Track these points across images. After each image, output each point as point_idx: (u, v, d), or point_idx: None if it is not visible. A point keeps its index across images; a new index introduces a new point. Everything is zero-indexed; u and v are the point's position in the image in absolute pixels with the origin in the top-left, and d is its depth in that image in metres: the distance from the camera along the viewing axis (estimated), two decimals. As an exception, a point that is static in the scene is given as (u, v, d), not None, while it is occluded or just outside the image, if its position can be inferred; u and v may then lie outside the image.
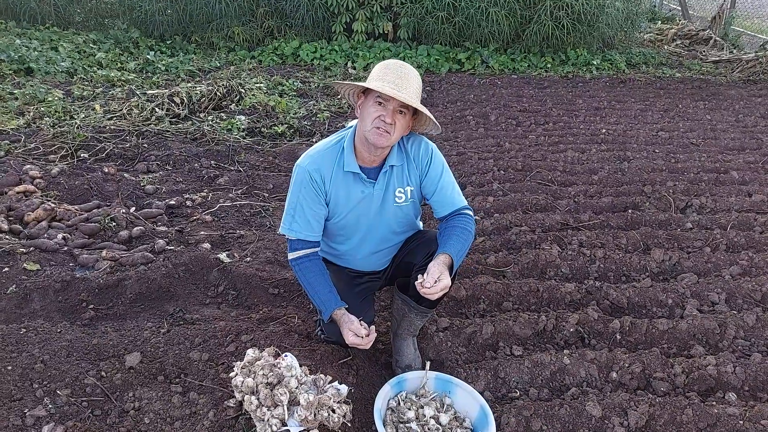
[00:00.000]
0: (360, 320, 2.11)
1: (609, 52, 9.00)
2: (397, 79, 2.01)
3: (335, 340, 2.29)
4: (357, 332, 2.06)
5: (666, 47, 10.12)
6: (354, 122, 2.25)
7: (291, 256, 2.22)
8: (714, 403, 2.19)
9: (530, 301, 2.93)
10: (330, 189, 2.18)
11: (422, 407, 2.13)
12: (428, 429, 2.05)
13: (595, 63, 8.53)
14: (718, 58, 9.25)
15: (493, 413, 2.09)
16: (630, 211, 3.86)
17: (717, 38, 10.18)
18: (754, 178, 4.49)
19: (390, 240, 2.37)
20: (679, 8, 12.23)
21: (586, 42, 8.62)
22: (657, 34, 10.83)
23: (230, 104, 5.98)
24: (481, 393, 2.25)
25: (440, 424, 2.08)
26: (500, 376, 2.39)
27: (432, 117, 2.08)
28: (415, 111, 2.10)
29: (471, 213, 2.27)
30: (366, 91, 2.08)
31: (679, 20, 11.90)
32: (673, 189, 4.24)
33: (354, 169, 2.15)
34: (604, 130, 5.70)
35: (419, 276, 2.01)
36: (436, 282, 1.97)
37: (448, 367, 2.47)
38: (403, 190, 2.24)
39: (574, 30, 8.17)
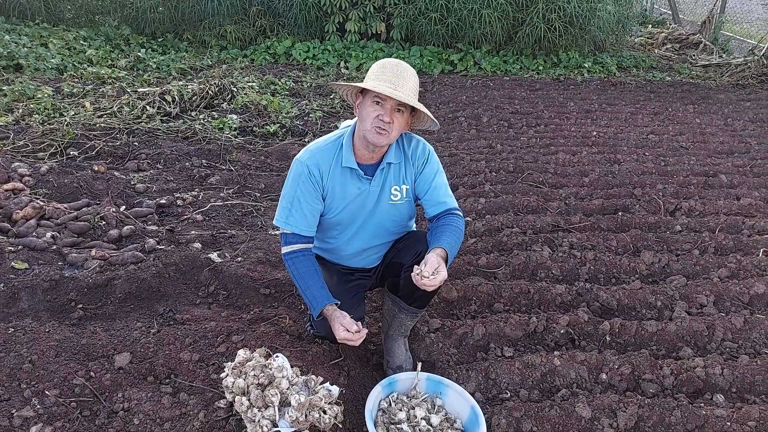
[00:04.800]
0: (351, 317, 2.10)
1: (600, 55, 9.06)
2: (393, 77, 2.02)
3: (324, 335, 2.30)
4: (348, 327, 2.05)
5: (656, 51, 10.21)
6: (347, 122, 2.26)
7: (285, 249, 2.22)
8: (702, 404, 2.21)
9: (521, 303, 2.94)
10: (327, 184, 2.19)
11: (413, 408, 2.14)
12: (419, 430, 2.06)
13: (586, 66, 8.59)
14: (707, 63, 9.34)
15: (484, 414, 2.09)
16: (620, 213, 3.89)
17: (707, 42, 10.28)
18: (743, 182, 4.54)
19: (382, 237, 2.38)
20: (670, 12, 12.34)
21: (578, 45, 8.68)
22: (648, 38, 10.91)
23: (222, 103, 5.95)
24: (472, 394, 2.26)
25: (431, 425, 2.09)
26: (491, 378, 2.40)
27: (429, 114, 2.10)
28: (413, 108, 2.11)
29: (461, 214, 2.29)
30: (364, 91, 2.10)
31: (670, 24, 12.01)
32: (662, 192, 4.27)
33: (351, 165, 2.17)
34: (594, 133, 5.74)
35: (416, 267, 1.99)
36: (433, 273, 1.96)
37: (440, 368, 2.47)
38: (398, 188, 2.25)
39: (565, 33, 8.21)
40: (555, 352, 2.50)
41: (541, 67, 8.48)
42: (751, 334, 2.68)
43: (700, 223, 3.80)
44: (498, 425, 2.12)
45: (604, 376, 2.41)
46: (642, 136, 5.72)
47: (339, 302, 2.17)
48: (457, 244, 2.18)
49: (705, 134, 5.86)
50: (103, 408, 2.03)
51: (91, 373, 2.16)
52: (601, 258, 3.29)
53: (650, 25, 12.12)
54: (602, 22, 8.34)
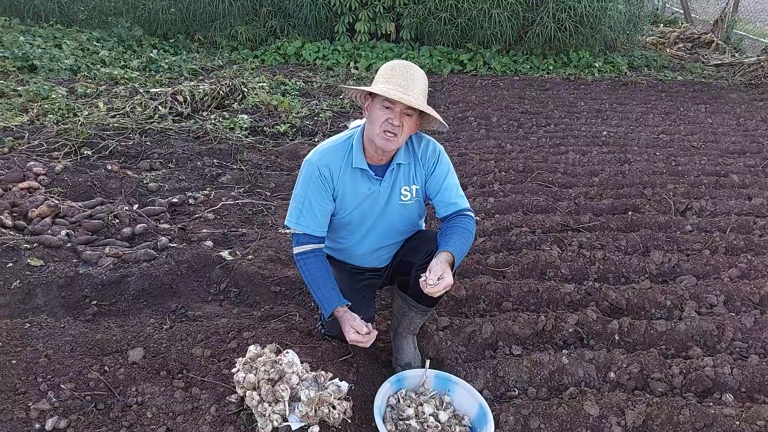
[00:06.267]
0: (360, 317, 2.13)
1: (611, 54, 9.02)
2: (403, 80, 2.03)
3: (335, 334, 2.32)
4: (358, 329, 2.09)
5: (668, 50, 10.14)
6: (357, 122, 2.28)
7: (296, 250, 2.24)
8: (711, 403, 2.21)
9: (530, 302, 2.95)
10: (338, 184, 2.21)
11: (421, 405, 2.15)
12: (427, 426, 2.07)
13: (597, 65, 8.55)
14: (720, 62, 9.27)
15: (492, 412, 2.10)
16: (630, 213, 3.88)
17: (719, 42, 10.20)
18: (754, 182, 4.51)
19: (392, 237, 2.40)
20: (682, 11, 12.25)
21: (589, 44, 8.64)
22: (659, 37, 10.84)
23: (233, 103, 6.00)
24: (480, 391, 2.27)
25: (439, 421, 2.10)
26: (499, 375, 2.41)
27: (439, 117, 2.11)
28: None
29: (472, 215, 2.29)
30: (373, 94, 2.10)
31: (682, 23, 11.92)
32: (673, 192, 4.26)
33: (362, 166, 2.18)
34: (605, 133, 5.72)
35: (422, 274, 2.03)
36: (438, 279, 1.99)
37: (448, 365, 2.49)
38: (408, 189, 2.27)
39: (576, 32, 8.18)
40: (563, 351, 2.50)
41: (551, 67, 8.46)
42: (762, 334, 2.67)
43: (710, 223, 3.78)
44: (506, 422, 2.14)
45: (612, 374, 2.41)
46: (653, 135, 5.70)
47: (350, 303, 2.19)
48: (466, 247, 2.19)
49: (717, 134, 5.83)
50: (117, 401, 2.07)
51: (106, 368, 2.20)
52: (611, 257, 3.29)
53: (662, 24, 12.04)
54: (613, 22, 8.30)
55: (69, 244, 3.20)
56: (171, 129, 5.16)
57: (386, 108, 2.04)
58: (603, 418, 2.14)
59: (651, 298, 2.94)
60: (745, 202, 4.10)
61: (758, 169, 4.81)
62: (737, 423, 2.08)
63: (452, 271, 2.10)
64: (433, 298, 2.36)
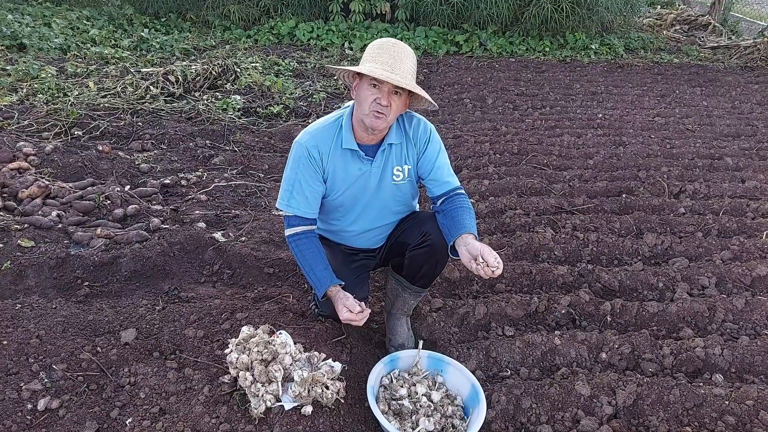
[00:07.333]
0: (354, 297, 2.13)
1: (608, 36, 8.96)
2: (390, 59, 1.99)
3: (329, 314, 2.32)
4: (351, 308, 2.08)
5: (665, 32, 10.08)
6: (351, 102, 2.25)
7: (288, 232, 2.23)
8: (701, 384, 2.23)
9: (523, 283, 2.96)
10: (328, 166, 2.19)
11: (414, 385, 2.16)
12: (420, 406, 2.08)
13: (593, 47, 8.50)
14: (716, 44, 9.23)
15: (484, 391, 2.12)
16: (624, 195, 3.89)
17: (716, 24, 10.14)
18: (748, 165, 4.51)
19: (386, 218, 2.38)
20: (679, -7, 12.16)
21: (585, 26, 8.58)
22: (656, 19, 10.77)
23: (226, 84, 5.93)
24: (473, 372, 2.28)
25: (432, 401, 2.12)
26: (492, 356, 2.42)
27: (427, 96, 2.08)
28: None
29: (465, 192, 2.28)
30: (361, 73, 2.06)
31: (679, 5, 11.84)
32: (667, 174, 4.26)
33: (352, 147, 2.15)
34: (600, 115, 5.70)
35: (478, 259, 1.96)
36: (497, 260, 1.96)
37: (441, 346, 2.50)
38: (401, 169, 2.25)
39: (573, 13, 8.12)
40: (556, 332, 2.52)
41: (547, 49, 8.40)
42: (752, 315, 2.69)
43: (704, 205, 3.79)
44: (498, 402, 2.15)
45: (604, 355, 2.43)
46: (648, 118, 5.68)
47: (343, 283, 2.19)
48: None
49: (712, 117, 5.82)
50: (109, 382, 2.06)
51: (98, 349, 2.19)
52: (604, 240, 3.30)
53: (659, 6, 11.95)
54: (610, 3, 8.24)
55: (60, 225, 3.17)
56: (163, 109, 5.11)
57: (374, 87, 2.01)
58: (594, 397, 2.16)
59: (643, 280, 2.95)
60: (739, 185, 4.11)
61: (752, 152, 4.81)
62: (726, 403, 2.10)
63: None
64: (426, 279, 2.38)
